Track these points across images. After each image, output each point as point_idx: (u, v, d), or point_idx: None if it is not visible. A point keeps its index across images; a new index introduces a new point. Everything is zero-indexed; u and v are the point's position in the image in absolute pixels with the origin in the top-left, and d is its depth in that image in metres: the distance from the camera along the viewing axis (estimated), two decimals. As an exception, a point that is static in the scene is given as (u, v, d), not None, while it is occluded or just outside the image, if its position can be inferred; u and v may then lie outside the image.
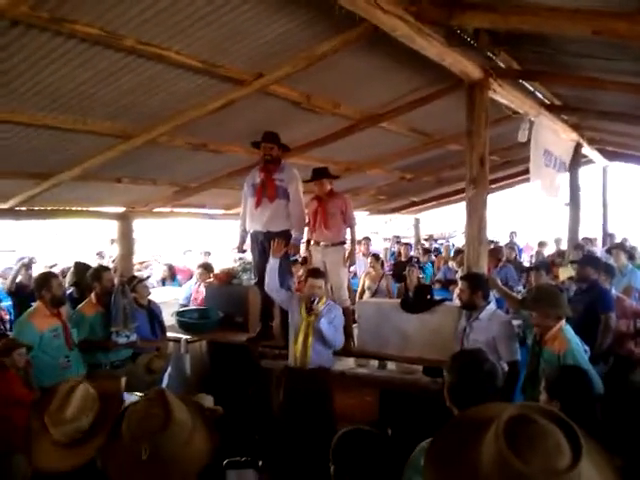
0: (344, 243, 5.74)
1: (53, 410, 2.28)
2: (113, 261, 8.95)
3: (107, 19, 3.22)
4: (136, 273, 7.46)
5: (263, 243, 5.58)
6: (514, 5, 3.53)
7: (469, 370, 2.30)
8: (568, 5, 3.35)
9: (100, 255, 10.22)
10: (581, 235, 9.69)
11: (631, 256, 8.16)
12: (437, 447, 1.44)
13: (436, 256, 12.55)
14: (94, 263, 8.06)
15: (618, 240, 11.28)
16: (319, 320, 4.61)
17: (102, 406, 2.40)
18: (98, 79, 3.90)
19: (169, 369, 5.47)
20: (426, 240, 15.55)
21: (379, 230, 18.67)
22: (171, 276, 9.63)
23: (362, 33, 3.82)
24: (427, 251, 12.11)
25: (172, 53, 3.71)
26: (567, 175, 8.75)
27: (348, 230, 5.83)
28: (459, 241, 14.72)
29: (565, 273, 7.02)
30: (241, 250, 5.99)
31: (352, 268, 7.87)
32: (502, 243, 11.79)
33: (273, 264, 4.97)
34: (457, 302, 5.42)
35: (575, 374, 2.92)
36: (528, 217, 19.35)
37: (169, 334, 6.12)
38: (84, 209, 7.11)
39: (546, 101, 6.62)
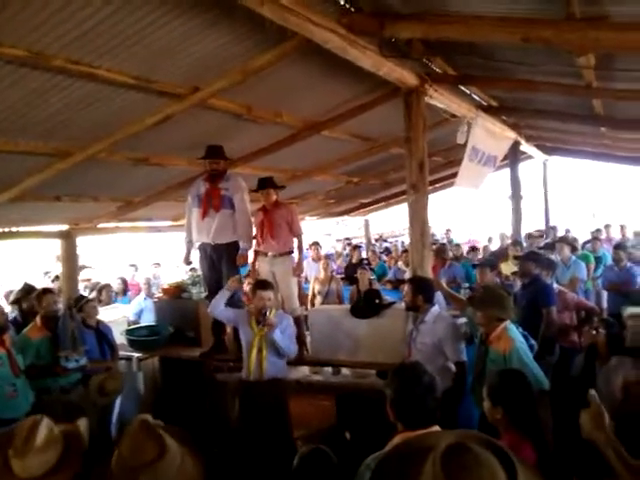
0: (291, 252, 5.74)
1: (19, 444, 2.21)
2: (56, 279, 8.72)
3: (32, 40, 3.16)
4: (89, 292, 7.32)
5: (212, 256, 5.55)
6: (443, 14, 3.62)
7: (408, 385, 2.33)
8: (494, 13, 3.45)
9: (47, 275, 9.96)
10: (524, 228, 10.00)
11: (574, 248, 8.46)
12: (379, 477, 1.45)
13: (387, 255, 12.72)
14: (42, 283, 7.84)
15: (560, 232, 11.69)
16: (273, 331, 4.60)
17: (66, 442, 2.34)
18: (28, 100, 3.81)
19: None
20: (377, 240, 15.71)
21: (331, 232, 18.79)
22: (123, 291, 9.45)
23: (296, 45, 3.83)
24: (373, 253, 12.19)
25: (102, 71, 3.65)
26: (503, 171, 9.06)
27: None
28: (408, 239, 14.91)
29: (508, 269, 7.22)
30: (187, 262, 5.94)
31: (303, 274, 7.88)
32: (443, 240, 12.06)
33: (224, 294, 4.98)
34: (405, 304, 5.50)
35: (515, 378, 2.98)
36: (468, 213, 19.88)
37: (121, 352, 5.99)
38: (25, 229, 6.90)
39: (483, 103, 6.79)
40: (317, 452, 2.41)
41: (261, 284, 4.87)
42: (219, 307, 4.96)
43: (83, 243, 8.07)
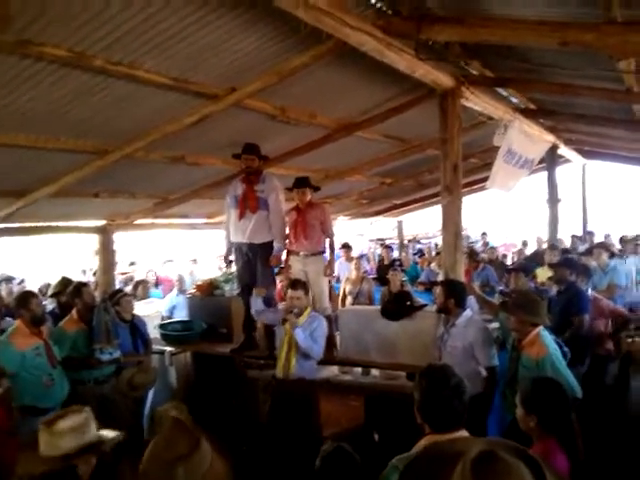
0: (323, 252, 5.77)
1: (51, 420, 2.34)
2: (94, 274, 8.96)
3: (75, 40, 3.23)
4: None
5: (247, 254, 5.63)
6: (481, 18, 3.58)
7: (436, 387, 2.32)
8: (533, 17, 3.40)
9: (86, 270, 10.25)
10: (561, 233, 9.82)
11: (612, 254, 8.28)
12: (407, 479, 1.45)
13: (420, 257, 12.65)
14: (80, 277, 8.06)
15: (597, 237, 11.44)
16: (294, 330, 4.64)
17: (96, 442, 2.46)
18: (69, 99, 3.90)
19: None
20: (410, 242, 15.61)
21: (364, 232, 18.74)
22: (155, 284, 9.63)
23: (331, 48, 3.85)
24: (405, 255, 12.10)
25: (142, 72, 3.72)
26: (540, 175, 8.90)
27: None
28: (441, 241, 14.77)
29: (544, 274, 7.10)
30: (228, 261, 6.01)
31: (335, 273, 7.90)
32: (478, 243, 11.90)
33: (257, 301, 5.16)
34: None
35: (550, 387, 2.93)
36: (505, 216, 19.57)
37: (154, 346, 6.10)
38: (64, 224, 7.08)
39: (521, 106, 6.69)
40: (339, 451, 2.42)
41: (292, 283, 4.91)
42: (261, 312, 5.13)
43: (121, 239, 8.25)
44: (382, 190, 11.15)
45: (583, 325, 5.24)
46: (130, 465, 2.02)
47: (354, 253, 10.73)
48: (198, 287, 7.00)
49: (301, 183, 5.73)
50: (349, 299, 8.19)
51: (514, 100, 6.49)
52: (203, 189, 7.25)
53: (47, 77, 3.53)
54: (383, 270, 9.62)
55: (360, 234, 18.03)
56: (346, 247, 10.20)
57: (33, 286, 8.49)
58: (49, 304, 6.74)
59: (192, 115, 4.66)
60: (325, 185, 8.28)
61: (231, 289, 6.54)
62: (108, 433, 2.82)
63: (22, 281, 9.22)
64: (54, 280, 6.71)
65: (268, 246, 5.56)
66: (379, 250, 13.76)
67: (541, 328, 3.97)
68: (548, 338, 3.97)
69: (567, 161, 11.32)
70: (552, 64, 4.48)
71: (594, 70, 4.51)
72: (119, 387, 5.21)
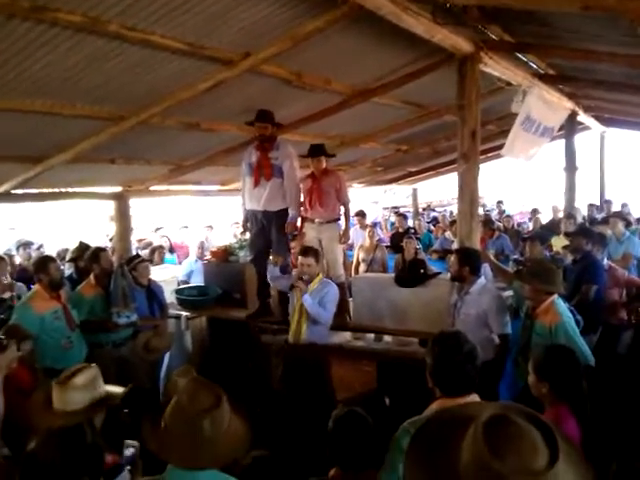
0: (338, 220, 5.79)
1: (63, 377, 2.43)
2: (111, 240, 9.05)
3: (89, 5, 3.20)
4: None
5: (262, 221, 5.64)
6: (500, -20, 3.50)
7: (448, 352, 2.34)
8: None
9: (107, 235, 10.36)
10: (578, 201, 9.71)
11: (628, 223, 8.20)
12: (418, 444, 1.47)
13: (434, 225, 12.61)
14: (97, 242, 8.16)
15: (615, 206, 11.32)
16: (302, 296, 4.69)
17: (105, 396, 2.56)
18: (84, 65, 3.88)
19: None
20: (424, 210, 15.53)
21: (378, 200, 18.68)
22: (169, 250, 9.71)
23: (347, 12, 3.78)
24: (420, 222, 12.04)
25: (157, 37, 3.68)
26: (558, 143, 8.76)
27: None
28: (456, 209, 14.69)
29: (559, 243, 7.06)
30: (245, 227, 6.04)
31: (349, 241, 7.93)
32: (494, 212, 11.81)
33: (275, 269, 5.24)
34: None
35: (562, 354, 2.95)
36: (521, 184, 19.34)
37: (170, 311, 6.19)
38: (80, 190, 7.14)
39: (540, 71, 6.56)
40: (352, 414, 2.47)
41: (302, 250, 4.94)
42: (276, 278, 5.19)
43: (139, 205, 8.30)
44: (397, 157, 11.05)
45: (589, 294, 5.22)
46: (150, 422, 2.08)
47: (367, 221, 10.70)
48: (213, 253, 7.06)
49: (316, 151, 5.70)
50: (362, 266, 8.23)
51: (533, 65, 6.36)
52: (217, 155, 7.24)
53: (62, 43, 3.51)
54: (397, 238, 9.61)
55: (374, 202, 17.98)
56: (360, 214, 10.19)
57: (51, 251, 8.61)
58: (67, 269, 6.85)
59: (207, 81, 4.62)
60: (340, 152, 8.24)
61: (245, 255, 6.59)
62: (115, 388, 2.94)
63: (40, 246, 9.33)
64: (72, 245, 6.81)
65: (283, 213, 5.57)
66: (392, 218, 13.71)
67: (555, 296, 3.98)
68: (562, 306, 3.98)
69: (586, 128, 11.14)
70: (573, 29, 4.37)
71: (615, 35, 4.39)
72: (135, 350, 5.32)
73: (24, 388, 3.72)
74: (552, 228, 9.30)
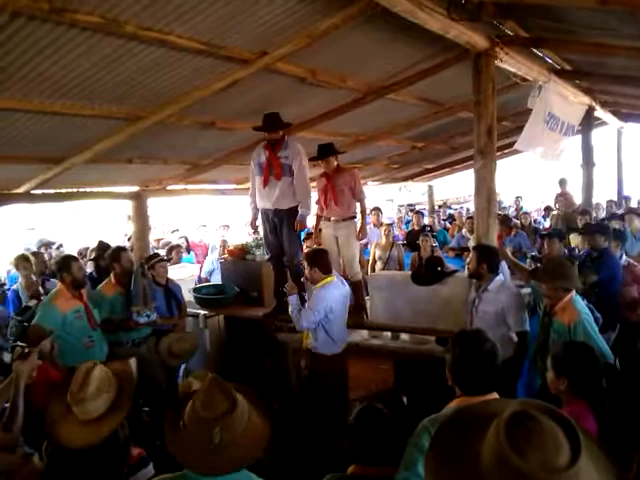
0: (354, 217, 5.78)
1: (75, 390, 2.43)
2: (129, 239, 9.13)
3: (106, 7, 3.23)
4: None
5: (273, 220, 5.66)
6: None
7: (469, 350, 2.34)
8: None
9: (126, 236, 10.43)
10: (595, 197, 9.61)
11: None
12: (439, 442, 1.47)
13: (450, 222, 12.53)
14: (116, 242, 8.23)
15: (633, 202, 11.18)
16: (289, 297, 4.79)
17: (119, 384, 2.56)
18: (102, 65, 3.92)
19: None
20: (440, 207, 15.44)
21: (394, 197, 18.60)
22: (186, 249, 9.76)
23: (362, 9, 3.79)
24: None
25: (173, 37, 3.71)
26: (575, 138, 8.65)
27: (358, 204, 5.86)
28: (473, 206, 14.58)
29: (577, 239, 6.99)
30: (254, 227, 6.06)
31: (364, 240, 7.93)
32: (510, 209, 11.68)
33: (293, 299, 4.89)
34: (468, 272, 5.45)
35: (582, 351, 2.94)
36: (538, 180, 19.13)
37: (188, 310, 6.23)
38: (98, 190, 7.21)
39: (556, 66, 6.50)
40: (372, 409, 2.48)
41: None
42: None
43: (156, 205, 8.36)
44: (413, 154, 11.01)
45: (587, 281, 5.09)
46: (171, 424, 2.10)
47: (383, 219, 10.67)
48: (230, 252, 7.10)
49: (324, 152, 5.71)
50: (379, 264, 8.22)
51: (549, 61, 6.30)
52: (233, 154, 7.27)
53: (81, 44, 3.54)
54: (413, 236, 9.58)
55: (390, 199, 17.91)
56: (376, 209, 10.16)
57: (71, 251, 8.70)
58: (88, 268, 6.92)
59: (223, 80, 4.64)
60: (355, 150, 8.24)
61: (262, 254, 6.61)
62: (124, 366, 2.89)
63: (60, 246, 9.44)
64: (93, 244, 6.87)
65: (294, 211, 5.58)
66: (407, 216, 13.66)
67: (573, 293, 3.94)
68: (580, 303, 3.94)
69: (603, 124, 11.02)
70: (588, 24, 4.32)
71: (632, 29, 4.34)
72: (160, 353, 5.35)
73: (56, 382, 3.77)
74: (568, 222, 9.15)
